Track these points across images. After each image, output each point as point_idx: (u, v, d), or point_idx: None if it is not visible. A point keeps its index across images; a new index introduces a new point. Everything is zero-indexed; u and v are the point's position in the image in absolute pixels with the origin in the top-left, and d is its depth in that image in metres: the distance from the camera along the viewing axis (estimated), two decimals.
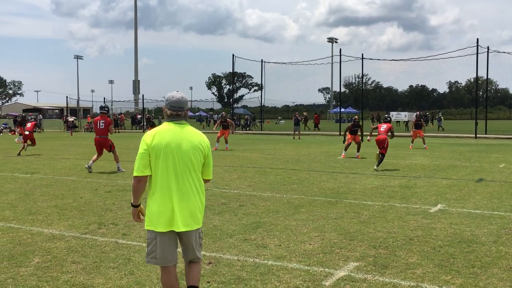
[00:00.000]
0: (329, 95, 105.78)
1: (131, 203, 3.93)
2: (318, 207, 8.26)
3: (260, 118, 45.65)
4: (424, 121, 41.05)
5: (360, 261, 5.29)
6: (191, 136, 3.74)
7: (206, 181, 3.87)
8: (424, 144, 21.33)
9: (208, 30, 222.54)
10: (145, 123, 27.65)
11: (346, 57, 37.20)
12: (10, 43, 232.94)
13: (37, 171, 13.18)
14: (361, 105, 49.95)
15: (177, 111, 3.72)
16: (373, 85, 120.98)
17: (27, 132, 18.71)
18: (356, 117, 19.42)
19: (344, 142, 17.55)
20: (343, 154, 17.33)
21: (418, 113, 23.79)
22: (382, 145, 13.98)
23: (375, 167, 13.41)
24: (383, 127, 14.72)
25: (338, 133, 34.81)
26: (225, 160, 16.10)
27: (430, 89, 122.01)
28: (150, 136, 3.69)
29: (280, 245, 5.92)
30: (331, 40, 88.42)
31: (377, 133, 14.81)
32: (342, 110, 53.04)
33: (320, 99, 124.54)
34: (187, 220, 3.66)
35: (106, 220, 7.22)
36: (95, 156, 13.32)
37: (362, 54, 36.16)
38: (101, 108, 13.94)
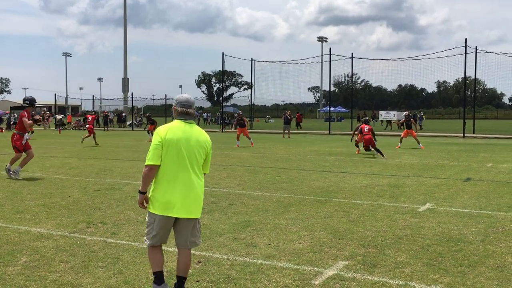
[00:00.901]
0: (319, 94, 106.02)
1: (139, 190, 4.24)
2: (307, 206, 8.28)
3: (250, 116, 45.64)
4: (420, 119, 41.52)
5: (349, 260, 5.31)
6: (198, 135, 4.23)
7: (204, 174, 4.32)
8: (419, 144, 20.90)
9: (198, 29, 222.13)
10: (144, 121, 28.01)
11: (335, 56, 37.46)
12: None
13: (25, 169, 13.02)
14: (351, 104, 50.20)
15: (187, 109, 4.21)
16: (362, 84, 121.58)
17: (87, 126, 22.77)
18: (367, 117, 21.82)
19: (351, 141, 19.57)
20: (357, 150, 18.35)
21: (407, 112, 23.76)
22: (372, 144, 14.88)
23: (384, 157, 16.05)
24: (367, 128, 16.79)
25: (328, 132, 34.92)
26: (214, 159, 16.06)
27: (419, 88, 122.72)
28: (164, 131, 4.12)
29: (269, 244, 5.92)
30: (321, 39, 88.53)
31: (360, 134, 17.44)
32: (332, 109, 53.15)
33: (309, 98, 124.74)
34: (188, 208, 4.10)
35: (94, 219, 7.18)
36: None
37: (352, 54, 36.52)
38: (24, 101, 12.00)
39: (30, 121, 11.72)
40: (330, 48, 37.26)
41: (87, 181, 10.92)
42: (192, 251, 4.67)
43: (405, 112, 24.83)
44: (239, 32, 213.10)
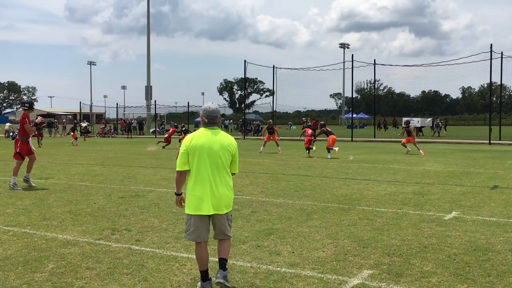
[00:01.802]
0: (341, 101, 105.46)
1: (175, 192, 4.79)
2: (331, 213, 8.23)
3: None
4: (436, 127, 40.99)
5: (374, 269, 5.25)
6: (222, 139, 4.66)
7: (233, 174, 4.78)
8: (419, 150, 21.38)
9: (220, 36, 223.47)
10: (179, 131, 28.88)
11: (358, 62, 37.15)
12: (25, 50, 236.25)
13: (51, 176, 13.28)
14: (373, 110, 49.75)
15: (213, 120, 4.68)
16: (385, 90, 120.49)
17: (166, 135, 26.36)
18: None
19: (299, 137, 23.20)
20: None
21: (407, 119, 24.39)
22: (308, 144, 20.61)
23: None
24: (310, 131, 20.76)
25: (350, 138, 34.67)
26: None
27: (443, 94, 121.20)
28: (189, 139, 4.63)
29: (293, 252, 5.90)
30: (343, 46, 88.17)
31: (305, 136, 21.14)
32: (354, 115, 52.84)
33: (331, 104, 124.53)
34: (217, 205, 4.56)
35: (119, 226, 7.25)
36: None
37: (374, 60, 36.12)
38: (22, 104, 12.02)
39: (33, 126, 11.73)
40: (352, 55, 37.07)
41: (111, 188, 11.04)
42: (216, 259, 4.78)
43: (404, 120, 25.50)
44: (260, 39, 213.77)
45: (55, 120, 54.18)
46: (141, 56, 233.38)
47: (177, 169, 4.62)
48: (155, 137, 44.52)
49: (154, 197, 9.87)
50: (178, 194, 4.76)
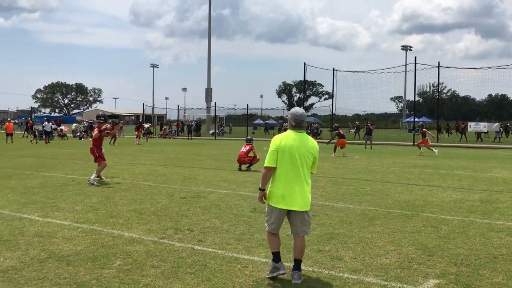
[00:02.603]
0: (402, 104, 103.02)
1: (259, 187, 5.12)
2: (393, 219, 8.04)
3: (331, 126, 45.21)
4: (505, 131, 39.21)
5: (440, 279, 5.08)
6: (307, 142, 5.07)
7: (312, 173, 5.16)
8: (433, 150, 23.74)
9: (279, 39, 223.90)
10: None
11: (421, 65, 36.17)
12: (92, 53, 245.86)
13: (116, 175, 13.73)
14: (437, 114, 48.29)
15: (299, 123, 5.08)
16: (448, 94, 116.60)
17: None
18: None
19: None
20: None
21: (421, 123, 26.98)
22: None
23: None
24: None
25: (412, 143, 33.79)
26: None
27: (511, 98, 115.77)
28: (279, 139, 5.04)
29: (355, 258, 5.81)
30: (405, 48, 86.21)
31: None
32: (416, 119, 51.32)
33: (392, 108, 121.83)
34: (299, 202, 4.96)
35: (182, 226, 7.39)
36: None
37: (439, 62, 35.16)
38: (98, 117, 13.29)
39: (97, 133, 12.59)
40: (415, 57, 36.10)
41: (173, 189, 11.28)
42: (286, 264, 4.70)
43: (420, 122, 26.91)
44: (320, 42, 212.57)
45: (120, 121, 55.97)
46: (201, 59, 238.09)
47: (266, 165, 5.01)
48: (215, 138, 45.15)
49: (214, 198, 10.01)
50: (262, 189, 5.10)
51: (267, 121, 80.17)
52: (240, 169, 15.69)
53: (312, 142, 5.12)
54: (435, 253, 6.02)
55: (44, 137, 33.41)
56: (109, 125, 13.35)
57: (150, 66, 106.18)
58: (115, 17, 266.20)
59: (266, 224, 5.17)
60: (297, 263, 5.02)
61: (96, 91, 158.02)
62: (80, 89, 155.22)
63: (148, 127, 43.93)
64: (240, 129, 63.46)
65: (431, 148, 24.22)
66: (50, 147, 27.94)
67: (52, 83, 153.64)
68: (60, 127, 42.11)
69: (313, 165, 5.13)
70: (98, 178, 12.14)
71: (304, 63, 40.91)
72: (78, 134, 42.50)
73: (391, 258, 5.81)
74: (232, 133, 57.20)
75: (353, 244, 6.43)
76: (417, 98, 52.39)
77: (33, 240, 6.43)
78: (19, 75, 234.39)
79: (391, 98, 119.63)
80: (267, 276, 5.07)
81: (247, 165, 15.88)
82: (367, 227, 7.48)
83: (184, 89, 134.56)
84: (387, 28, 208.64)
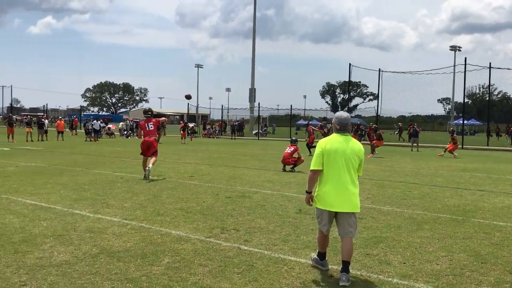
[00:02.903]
0: (450, 106, 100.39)
1: (306, 190, 5.27)
2: (443, 224, 7.83)
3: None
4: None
5: (495, 287, 4.91)
6: (353, 145, 5.15)
7: (358, 176, 5.26)
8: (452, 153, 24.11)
9: (323, 39, 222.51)
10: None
11: (471, 66, 35.10)
12: (138, 53, 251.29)
13: (163, 174, 13.96)
14: (487, 117, 46.85)
15: (344, 126, 5.19)
16: (499, 96, 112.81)
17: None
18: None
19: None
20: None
21: (452, 129, 27.27)
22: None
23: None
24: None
25: (461, 146, 32.88)
26: None
27: None
28: (324, 143, 5.17)
29: (404, 263, 5.69)
30: (454, 48, 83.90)
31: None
32: (465, 122, 49.91)
33: (439, 110, 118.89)
34: (347, 204, 5.07)
35: (228, 225, 7.44)
36: (151, 160, 12.96)
37: (490, 63, 34.00)
38: (145, 112, 13.80)
39: (149, 127, 13.28)
40: (465, 58, 35.01)
41: (218, 188, 11.37)
42: (333, 266, 4.66)
43: (451, 128, 27.01)
44: (365, 42, 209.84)
45: (163, 118, 56.96)
46: (245, 59, 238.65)
47: (312, 168, 5.13)
48: (258, 139, 45.28)
49: (259, 198, 10.02)
50: (309, 192, 5.23)
51: (310, 122, 79.75)
52: (284, 170, 15.67)
53: (358, 145, 5.20)
54: (488, 261, 5.83)
55: (92, 135, 34.35)
56: (164, 118, 13.86)
57: (195, 66, 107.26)
58: (161, 17, 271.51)
59: (318, 226, 5.34)
60: (345, 265, 5.01)
61: (143, 91, 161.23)
62: (127, 88, 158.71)
63: (192, 127, 44.49)
64: (283, 129, 63.39)
65: (452, 152, 24.25)
66: (99, 145, 28.71)
67: (101, 82, 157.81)
68: (108, 126, 43.21)
69: (359, 167, 5.21)
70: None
71: (350, 63, 40.50)
72: (125, 132, 43.48)
73: (442, 264, 5.66)
74: (275, 134, 57.20)
75: (401, 249, 6.31)
76: (466, 100, 51.02)
77: (85, 236, 6.61)
78: (70, 75, 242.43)
79: (438, 100, 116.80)
80: (311, 259, 5.53)
81: (291, 166, 15.84)
82: (415, 231, 7.32)
83: (228, 89, 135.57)
84: (435, 28, 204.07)
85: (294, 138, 17.43)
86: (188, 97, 23.38)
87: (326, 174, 5.09)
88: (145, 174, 12.66)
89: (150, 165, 12.76)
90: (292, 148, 16.13)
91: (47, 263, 5.39)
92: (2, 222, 7.35)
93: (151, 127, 13.33)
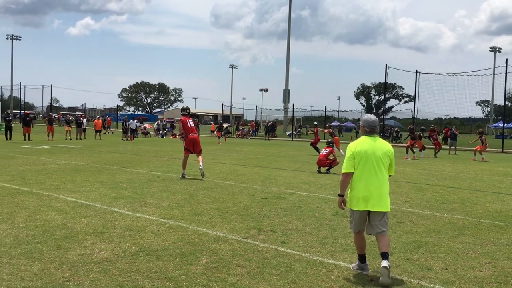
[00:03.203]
0: (489, 109, 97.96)
1: (338, 193, 5.43)
2: (485, 230, 7.63)
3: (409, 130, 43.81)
4: None
5: None
6: (382, 146, 5.32)
7: (390, 176, 5.39)
8: (474, 155, 24.17)
9: (358, 40, 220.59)
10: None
11: None
12: (173, 53, 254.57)
13: (198, 174, 14.04)
14: None
15: (373, 129, 5.36)
16: None
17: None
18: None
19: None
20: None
21: (480, 130, 25.89)
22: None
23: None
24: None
25: (500, 150, 32.03)
26: None
27: None
28: (354, 146, 5.30)
29: (446, 269, 5.56)
30: (494, 50, 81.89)
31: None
32: (505, 125, 48.53)
33: (477, 112, 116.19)
34: (379, 203, 5.19)
35: (264, 226, 7.43)
36: (199, 158, 13.44)
37: None
38: (183, 110, 13.99)
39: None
40: (506, 59, 34.08)
41: (254, 189, 11.38)
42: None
43: (480, 130, 26.18)
44: (401, 43, 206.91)
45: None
46: (279, 60, 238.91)
47: (344, 171, 5.27)
48: (292, 140, 45.17)
49: (295, 200, 9.98)
50: (341, 195, 5.36)
51: (345, 123, 79.11)
52: (319, 172, 15.57)
53: (387, 145, 5.37)
54: None
55: (129, 134, 34.93)
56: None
57: (229, 67, 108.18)
58: (196, 18, 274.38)
59: (350, 225, 5.49)
60: (385, 255, 5.08)
61: (177, 91, 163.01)
62: (162, 88, 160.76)
63: (226, 127, 44.72)
64: None
65: (481, 153, 24.08)
66: (135, 144, 29.16)
67: (137, 82, 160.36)
68: (144, 125, 43.84)
69: (390, 167, 5.37)
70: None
71: (386, 65, 40.00)
72: (161, 132, 44.04)
73: (485, 271, 5.50)
74: (308, 135, 56.93)
75: (443, 254, 6.17)
76: (506, 103, 49.64)
77: (124, 234, 6.71)
78: (107, 75, 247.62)
79: (477, 102, 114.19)
80: (351, 268, 5.47)
81: (327, 167, 15.72)
82: (456, 237, 7.15)
83: (262, 90, 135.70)
84: (474, 29, 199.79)
85: (330, 140, 17.30)
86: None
87: (358, 176, 5.21)
88: (202, 173, 13.02)
89: (201, 164, 13.19)
90: (328, 150, 16.02)
91: (88, 260, 5.49)
92: (45, 218, 7.54)
93: (192, 124, 13.63)
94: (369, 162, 5.19)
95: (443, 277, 5.26)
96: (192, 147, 13.42)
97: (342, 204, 5.37)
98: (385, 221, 5.26)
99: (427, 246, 6.57)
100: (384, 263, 4.96)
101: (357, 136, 52.18)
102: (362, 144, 5.29)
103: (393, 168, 5.43)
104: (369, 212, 5.24)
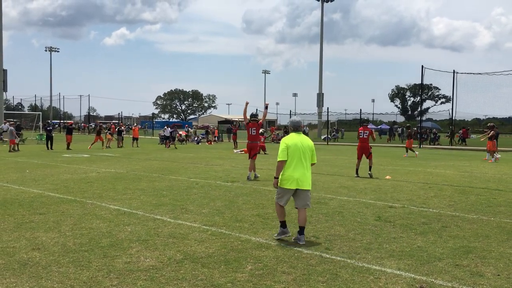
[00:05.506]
0: None
1: (274, 176, 6.85)
2: None
3: (450, 132, 42.93)
4: None
5: None
6: (305, 140, 6.90)
7: (312, 164, 7.00)
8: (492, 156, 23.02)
9: (391, 41, 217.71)
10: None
11: None
12: (207, 60, 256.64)
13: (236, 180, 14.09)
14: None
15: (297, 128, 7.03)
16: None
17: None
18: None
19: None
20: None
21: (492, 124, 24.51)
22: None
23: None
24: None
25: None
26: (417, 177, 15.40)
27: None
28: (287, 140, 6.84)
29: (498, 275, 5.38)
30: None
31: None
32: None
33: None
34: (305, 183, 6.78)
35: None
36: (252, 163, 14.51)
37: None
38: (252, 116, 14.98)
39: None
40: None
41: None
42: (412, 275, 4.51)
43: (490, 124, 24.88)
44: (435, 43, 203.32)
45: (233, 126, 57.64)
46: (311, 64, 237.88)
47: (279, 159, 6.74)
48: (327, 144, 44.84)
49: (336, 205, 9.88)
50: (276, 178, 6.80)
51: (380, 126, 78.13)
52: (357, 176, 15.39)
53: (307, 140, 6.94)
54: None
55: (168, 141, 35.33)
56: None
57: (262, 72, 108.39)
58: (228, 25, 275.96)
59: (277, 200, 6.90)
60: (301, 229, 6.77)
61: (211, 97, 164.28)
62: (196, 95, 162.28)
63: (263, 132, 44.72)
64: (352, 134, 62.35)
65: (495, 154, 23.20)
66: (172, 151, 29.47)
67: (171, 90, 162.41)
68: (179, 132, 44.29)
69: (312, 156, 6.92)
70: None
71: (422, 65, 39.23)
72: (196, 138, 44.41)
73: None
74: (343, 138, 56.42)
75: (493, 260, 5.98)
76: None
77: (168, 241, 6.76)
78: (142, 83, 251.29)
79: None
80: (275, 237, 6.93)
81: (369, 168, 15.57)
82: (506, 241, 6.93)
83: (295, 94, 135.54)
84: (511, 27, 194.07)
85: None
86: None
87: (290, 162, 6.72)
88: (255, 175, 14.42)
89: (250, 171, 14.36)
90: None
91: (135, 268, 5.55)
92: (90, 226, 7.67)
93: (254, 132, 14.59)
94: (298, 152, 6.73)
95: (496, 284, 5.09)
96: (250, 151, 14.93)
97: (277, 184, 6.78)
98: (308, 196, 6.84)
99: (476, 251, 6.38)
100: (302, 240, 6.68)
101: (393, 138, 51.50)
102: (292, 138, 6.84)
103: (315, 157, 6.96)
104: (296, 190, 6.73)
